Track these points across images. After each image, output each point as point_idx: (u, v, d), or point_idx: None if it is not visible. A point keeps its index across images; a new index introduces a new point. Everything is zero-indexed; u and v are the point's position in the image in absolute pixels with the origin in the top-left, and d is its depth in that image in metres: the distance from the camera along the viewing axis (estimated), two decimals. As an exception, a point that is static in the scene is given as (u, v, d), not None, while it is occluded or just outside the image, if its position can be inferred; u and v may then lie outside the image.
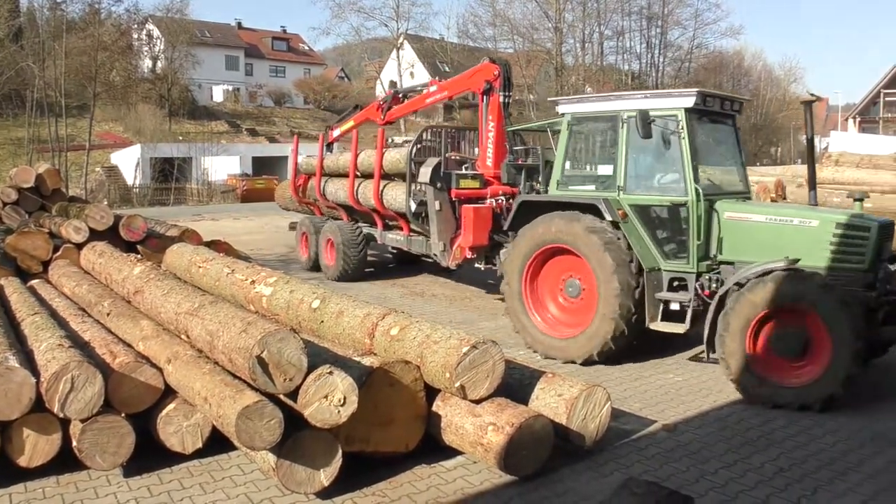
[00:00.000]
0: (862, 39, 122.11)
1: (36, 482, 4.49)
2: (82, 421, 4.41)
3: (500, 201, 9.29)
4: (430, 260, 11.45)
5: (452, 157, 9.94)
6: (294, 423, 4.11)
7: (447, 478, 4.61)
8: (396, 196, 10.35)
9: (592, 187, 7.56)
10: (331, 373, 4.09)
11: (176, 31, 51.31)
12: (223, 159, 40.34)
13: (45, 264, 8.83)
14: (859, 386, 6.06)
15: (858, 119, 51.98)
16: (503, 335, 8.04)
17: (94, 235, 8.99)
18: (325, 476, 4.23)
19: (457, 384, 4.47)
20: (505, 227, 8.29)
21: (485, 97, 9.52)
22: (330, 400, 4.08)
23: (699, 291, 6.75)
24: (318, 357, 4.43)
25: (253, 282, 6.05)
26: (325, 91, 61.08)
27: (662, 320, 6.94)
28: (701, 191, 6.71)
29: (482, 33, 50.22)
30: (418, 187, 9.88)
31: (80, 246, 8.76)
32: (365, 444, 4.51)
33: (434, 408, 4.77)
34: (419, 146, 10.20)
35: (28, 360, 4.78)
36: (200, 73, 54.29)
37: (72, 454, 4.47)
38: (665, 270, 6.98)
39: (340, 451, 4.27)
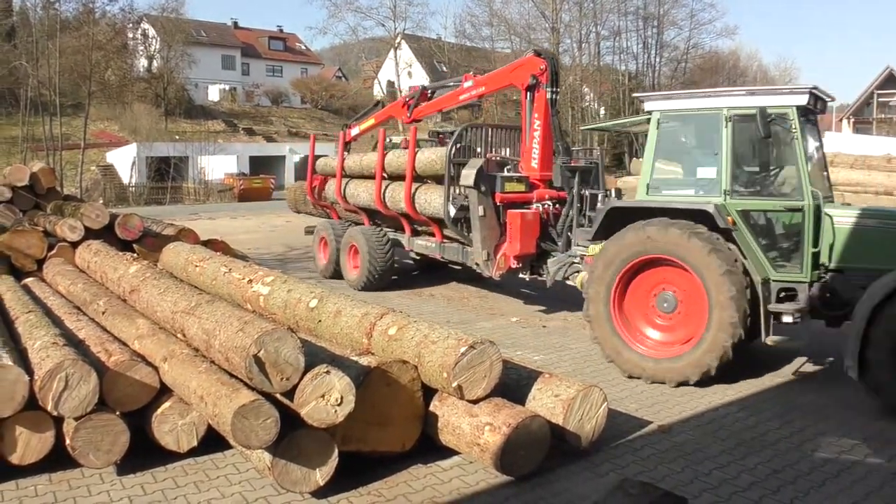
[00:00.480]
0: (856, 40, 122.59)
1: (28, 479, 4.47)
2: (76, 419, 4.39)
3: (546, 206, 8.74)
4: (458, 267, 10.95)
5: (492, 159, 9.25)
6: (290, 422, 4.10)
7: (443, 478, 4.60)
8: (431, 200, 9.60)
9: (691, 191, 6.87)
10: (328, 372, 4.08)
11: (171, 31, 51.20)
12: (220, 158, 40.32)
13: (40, 263, 8.80)
14: (851, 389, 6.07)
15: (852, 120, 52.12)
16: (501, 335, 8.05)
17: (90, 234, 8.95)
18: (321, 475, 4.22)
19: (454, 384, 4.46)
20: (590, 237, 7.46)
21: (528, 93, 8.87)
22: (327, 399, 4.07)
23: (812, 302, 6.33)
24: (315, 356, 4.43)
25: (250, 281, 6.04)
26: (322, 91, 61.09)
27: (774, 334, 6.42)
28: (819, 194, 6.34)
29: (479, 33, 50.33)
30: (458, 191, 9.16)
31: (75, 244, 8.73)
32: (361, 443, 4.50)
33: (431, 408, 4.76)
34: (458, 146, 9.36)
35: (22, 358, 4.76)
36: (197, 73, 54.19)
37: (64, 452, 4.45)
38: (774, 280, 6.44)
39: (336, 451, 4.26)
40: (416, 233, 10.70)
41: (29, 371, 4.47)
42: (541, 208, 8.75)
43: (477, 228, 8.94)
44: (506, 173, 8.98)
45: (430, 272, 12.25)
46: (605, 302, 6.84)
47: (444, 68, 53.74)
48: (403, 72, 52.64)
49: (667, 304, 6.72)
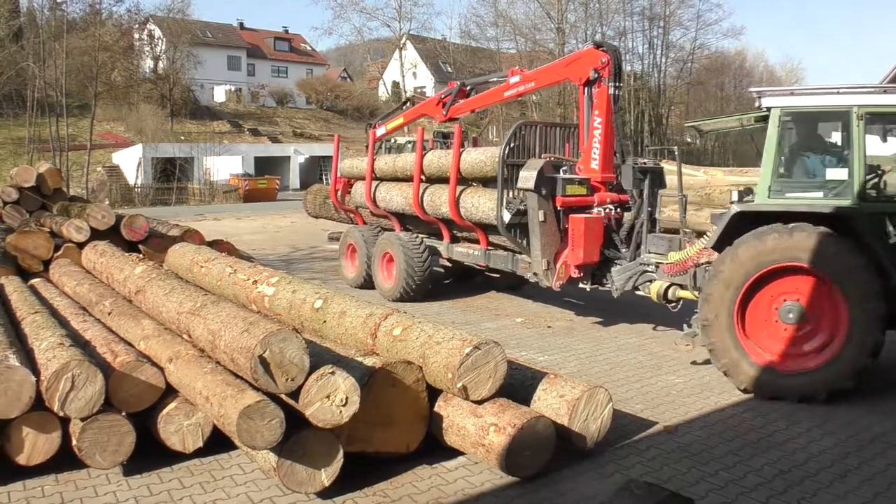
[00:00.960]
0: (864, 40, 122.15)
1: (35, 480, 4.48)
2: (82, 419, 4.40)
3: (608, 210, 8.15)
4: (496, 275, 10.48)
5: (549, 159, 8.40)
6: (295, 422, 4.10)
7: (448, 478, 4.60)
8: (479, 204, 8.89)
9: (819, 194, 6.41)
10: (333, 373, 4.09)
11: (177, 32, 51.38)
12: (225, 159, 40.47)
13: (46, 263, 8.84)
14: (858, 390, 6.04)
15: (861, 121, 51.92)
16: (506, 336, 8.04)
17: (96, 235, 9.00)
18: (326, 476, 4.23)
19: (459, 385, 4.46)
20: (710, 244, 6.71)
21: (586, 89, 8.24)
22: (332, 400, 4.07)
23: None
24: (320, 357, 4.43)
25: (255, 282, 6.06)
26: (327, 91, 61.17)
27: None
28: None
29: (484, 34, 50.37)
30: (514, 194, 8.48)
31: (81, 245, 8.77)
32: (366, 444, 4.50)
33: (436, 408, 4.76)
34: (512, 146, 8.66)
35: (28, 359, 4.77)
36: (202, 74, 54.39)
37: (71, 453, 4.46)
38: None
39: (342, 451, 4.26)
40: (454, 239, 10.07)
41: (35, 372, 4.49)
42: (603, 212, 8.16)
43: (536, 235, 8.17)
44: (564, 175, 8.19)
45: (464, 281, 11.45)
46: (728, 307, 6.29)
47: (449, 69, 53.80)
48: (408, 72, 52.73)
49: (791, 315, 6.21)
